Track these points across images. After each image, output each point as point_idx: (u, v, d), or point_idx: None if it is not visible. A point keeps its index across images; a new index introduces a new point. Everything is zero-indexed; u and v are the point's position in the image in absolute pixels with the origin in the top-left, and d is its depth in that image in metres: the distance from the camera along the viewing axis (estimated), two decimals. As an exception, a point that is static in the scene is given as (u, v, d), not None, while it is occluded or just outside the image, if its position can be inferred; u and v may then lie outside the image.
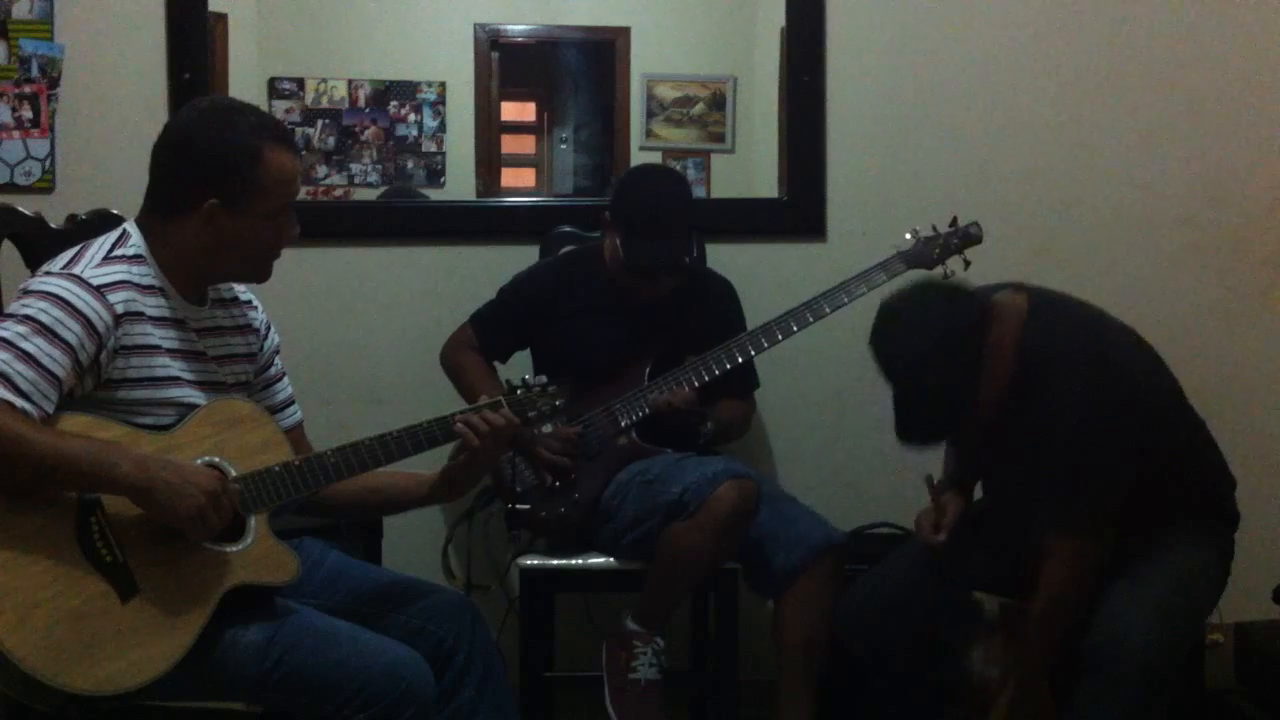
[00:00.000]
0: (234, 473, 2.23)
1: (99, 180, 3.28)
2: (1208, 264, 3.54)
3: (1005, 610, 2.73)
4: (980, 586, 2.77)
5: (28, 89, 3.37)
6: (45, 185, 3.38)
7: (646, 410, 3.03)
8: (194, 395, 2.26)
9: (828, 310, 3.06)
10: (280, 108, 3.89)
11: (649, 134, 4.05)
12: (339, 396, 3.43)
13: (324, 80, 3.97)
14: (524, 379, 2.45)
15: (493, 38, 4.08)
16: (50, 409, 2.09)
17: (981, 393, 2.51)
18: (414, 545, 3.32)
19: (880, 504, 3.40)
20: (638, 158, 4.02)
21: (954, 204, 3.29)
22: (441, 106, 4.04)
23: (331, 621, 2.28)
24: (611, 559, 3.01)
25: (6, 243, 2.55)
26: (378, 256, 3.53)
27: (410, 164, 4.02)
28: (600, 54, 4.22)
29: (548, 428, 2.90)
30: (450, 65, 4.05)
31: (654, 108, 4.05)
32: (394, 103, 4.01)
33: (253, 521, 2.25)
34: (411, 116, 4.01)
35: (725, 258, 3.38)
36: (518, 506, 2.92)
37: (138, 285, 2.21)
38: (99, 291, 2.15)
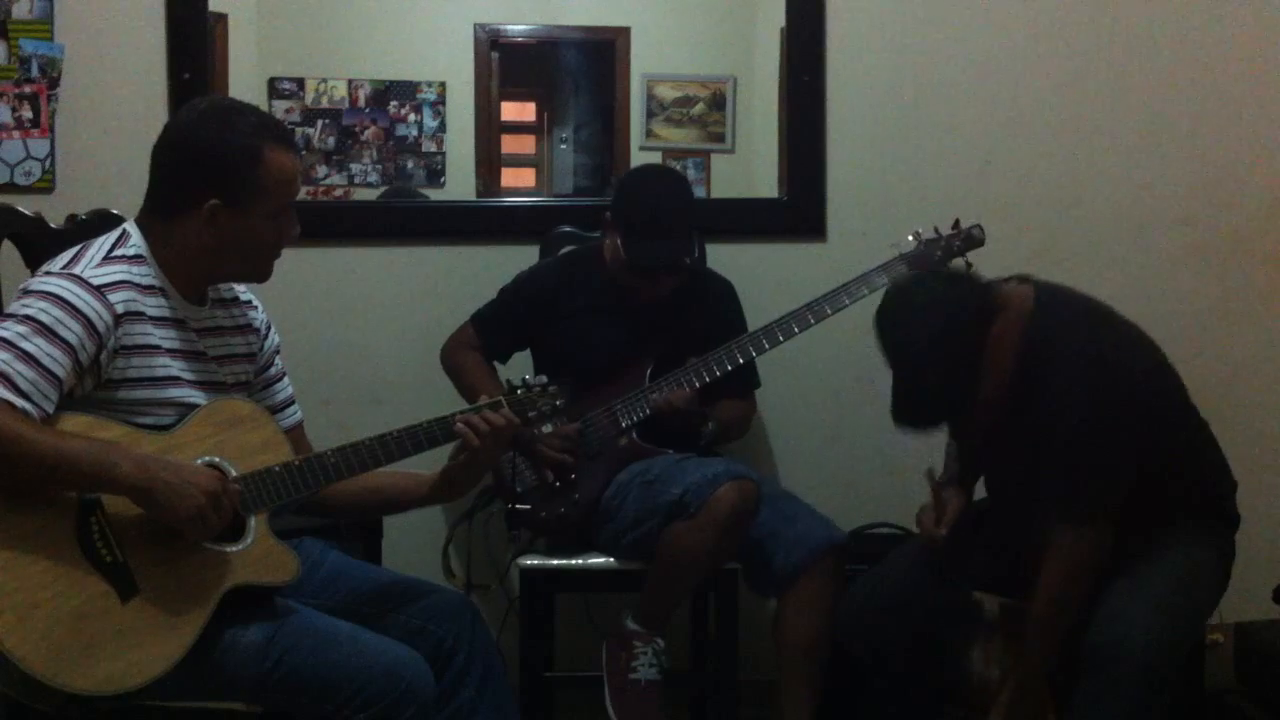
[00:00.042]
0: (234, 473, 2.23)
1: (99, 180, 3.28)
2: (1208, 264, 3.54)
3: (1005, 610, 2.73)
4: (980, 586, 2.77)
5: (28, 89, 3.37)
6: (45, 185, 3.38)
7: (648, 410, 3.03)
8: (194, 395, 2.26)
9: (829, 311, 3.06)
10: (280, 108, 3.89)
11: (649, 134, 4.05)
12: (339, 396, 3.43)
13: (324, 80, 3.97)
14: (524, 379, 2.45)
15: (493, 38, 4.08)
16: (50, 409, 2.09)
17: (982, 383, 2.51)
18: (414, 545, 3.32)
19: (880, 504, 3.40)
20: (638, 158, 4.02)
21: (953, 204, 3.29)
22: (441, 106, 4.04)
23: (331, 621, 2.28)
24: (611, 559, 3.01)
25: (6, 243, 2.55)
26: (378, 256, 3.53)
27: (410, 164, 4.03)
28: (600, 54, 4.22)
29: (548, 428, 2.90)
30: (450, 65, 4.05)
31: (654, 108, 4.05)
32: (394, 103, 4.01)
33: (253, 521, 2.25)
34: (411, 116, 4.02)
35: (725, 258, 3.38)
36: (518, 506, 2.92)
37: (138, 285, 2.21)
38: (99, 291, 2.15)
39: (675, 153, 4.04)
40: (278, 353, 2.50)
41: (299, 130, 3.89)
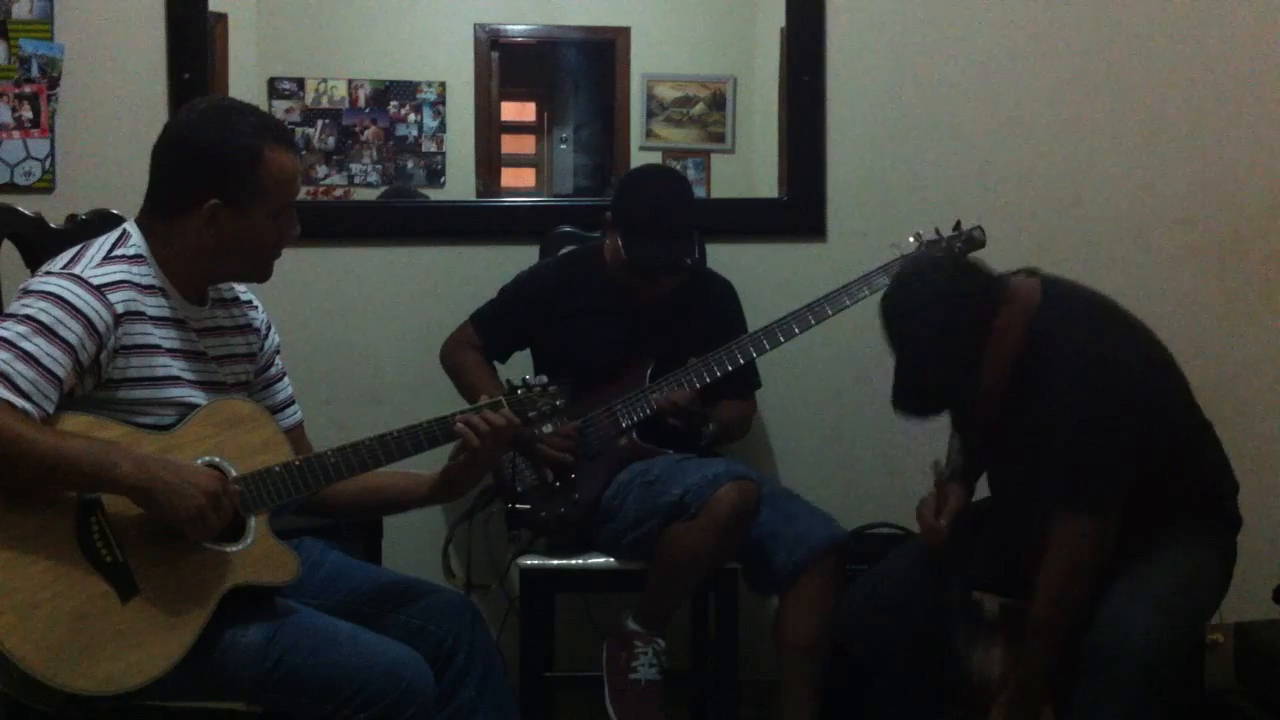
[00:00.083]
0: (234, 473, 2.23)
1: (99, 180, 3.28)
2: (1208, 264, 3.54)
3: (1005, 610, 2.73)
4: (980, 586, 2.76)
5: (28, 89, 3.37)
6: (45, 185, 3.38)
7: (648, 411, 3.03)
8: (194, 395, 2.26)
9: (829, 312, 3.06)
10: (280, 108, 3.89)
11: (649, 134, 4.05)
12: (339, 396, 3.43)
13: (324, 80, 3.97)
14: (524, 379, 2.45)
15: (493, 38, 4.08)
16: (50, 409, 2.09)
17: (983, 373, 2.52)
18: (414, 545, 3.32)
19: (880, 504, 3.40)
20: (638, 158, 4.02)
21: (953, 203, 3.29)
22: (441, 106, 4.04)
23: (331, 621, 2.28)
24: (611, 559, 3.01)
25: (6, 243, 2.55)
26: (378, 256, 3.53)
27: (410, 164, 4.03)
28: (600, 54, 4.22)
29: (548, 428, 2.90)
30: (450, 65, 4.05)
31: (654, 108, 4.05)
32: (394, 103, 4.01)
33: (253, 521, 2.25)
34: (411, 116, 4.02)
35: (725, 258, 3.37)
36: (518, 506, 2.92)
37: (138, 285, 2.21)
38: (99, 291, 2.15)
39: (675, 153, 4.04)
40: (278, 353, 2.50)
41: (299, 130, 3.89)
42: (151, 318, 2.22)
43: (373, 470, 2.33)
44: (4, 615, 2.00)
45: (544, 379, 2.44)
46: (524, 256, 3.38)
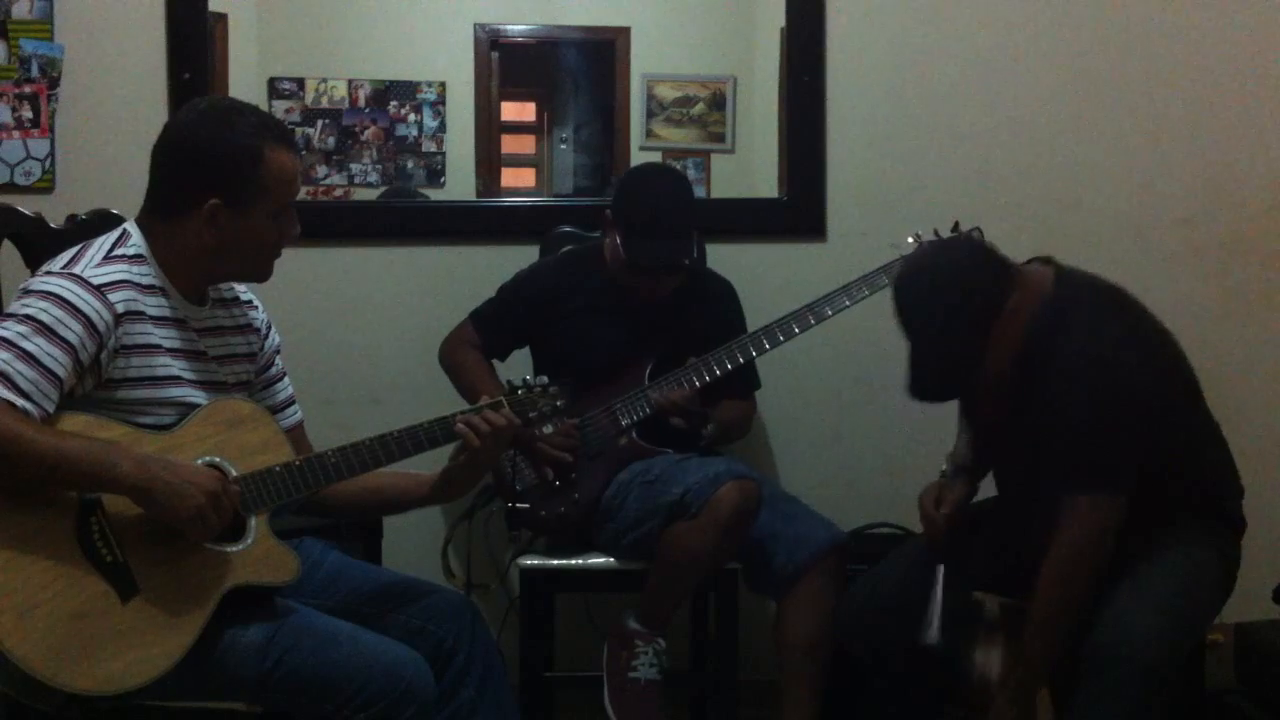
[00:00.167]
0: (234, 473, 2.23)
1: (99, 180, 3.28)
2: (1208, 264, 3.54)
3: (1005, 610, 2.73)
4: (980, 586, 2.76)
5: (28, 89, 3.37)
6: (45, 185, 3.38)
7: (648, 410, 3.03)
8: (195, 395, 2.26)
9: (829, 312, 3.07)
10: (280, 108, 3.89)
11: (649, 134, 4.05)
12: (339, 396, 3.43)
13: (324, 80, 3.97)
14: (525, 379, 2.45)
15: (493, 38, 4.08)
16: (51, 408, 2.09)
17: (990, 356, 2.52)
18: (414, 545, 3.32)
19: (880, 504, 3.40)
20: (638, 158, 4.02)
21: (954, 204, 3.29)
22: (441, 106, 4.04)
23: (332, 621, 2.28)
24: (611, 559, 3.01)
25: (6, 243, 2.55)
26: (378, 256, 3.53)
27: (410, 164, 4.03)
28: (600, 54, 4.22)
29: (548, 428, 2.90)
30: (450, 65, 4.05)
31: (654, 108, 4.05)
32: (394, 103, 4.01)
33: (253, 522, 2.25)
34: (411, 116, 4.02)
35: (725, 258, 3.37)
36: (518, 506, 2.92)
37: (138, 285, 2.21)
38: (99, 291, 2.15)
39: (675, 153, 4.04)
40: (278, 353, 2.50)
41: (299, 130, 3.89)
42: (152, 317, 2.22)
43: (373, 470, 2.33)
44: (4, 615, 2.00)
45: (544, 379, 2.44)
46: (524, 256, 3.38)
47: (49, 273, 2.19)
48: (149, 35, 3.40)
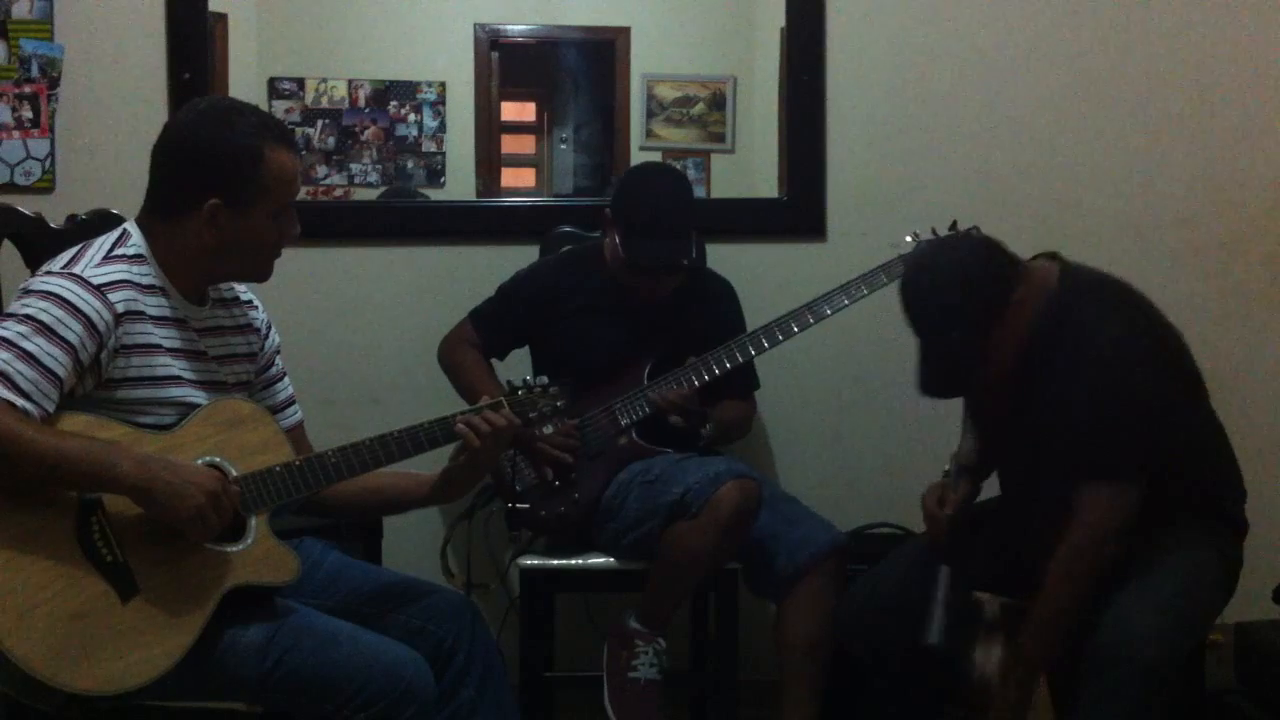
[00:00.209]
0: (234, 473, 2.23)
1: (99, 180, 3.28)
2: (1208, 264, 3.54)
3: (1005, 610, 2.73)
4: (980, 586, 2.76)
5: (28, 89, 3.37)
6: (45, 185, 3.38)
7: (647, 410, 3.03)
8: (195, 395, 2.26)
9: (828, 311, 3.07)
10: (280, 108, 3.89)
11: (649, 134, 4.05)
12: (339, 396, 3.43)
13: (324, 80, 3.97)
14: (525, 380, 2.45)
15: (493, 38, 4.08)
16: (51, 408, 2.09)
17: (996, 351, 2.52)
18: (414, 545, 3.32)
19: (880, 504, 3.40)
20: (638, 158, 4.03)
21: (954, 204, 3.29)
22: (441, 106, 4.04)
23: (332, 621, 2.28)
24: (611, 559, 3.01)
25: (6, 243, 2.55)
26: (378, 256, 3.53)
27: (410, 164, 4.03)
28: (600, 54, 4.22)
29: (548, 429, 2.90)
30: (450, 65, 4.05)
31: (654, 108, 4.05)
32: (394, 103, 4.01)
33: (253, 522, 2.25)
34: (411, 116, 4.02)
35: (725, 258, 3.37)
36: (518, 506, 2.92)
37: (138, 284, 2.21)
38: (99, 291, 2.15)
39: (675, 153, 4.04)
40: (278, 353, 2.50)
41: (299, 130, 3.89)
42: (152, 317, 2.22)
43: (373, 470, 2.33)
44: (4, 615, 2.00)
45: (545, 379, 2.44)
46: (524, 256, 3.37)
47: (49, 273, 2.19)
48: (149, 35, 3.40)
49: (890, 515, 3.33)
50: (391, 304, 3.52)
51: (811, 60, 3.50)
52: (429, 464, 2.42)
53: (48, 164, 3.39)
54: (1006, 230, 3.26)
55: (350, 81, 3.98)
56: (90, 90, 3.40)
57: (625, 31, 4.08)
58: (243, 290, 2.44)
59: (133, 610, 2.10)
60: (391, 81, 4.01)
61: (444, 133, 4.04)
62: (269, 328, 2.48)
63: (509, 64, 4.15)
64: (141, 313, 2.20)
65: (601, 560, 3.02)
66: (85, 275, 2.16)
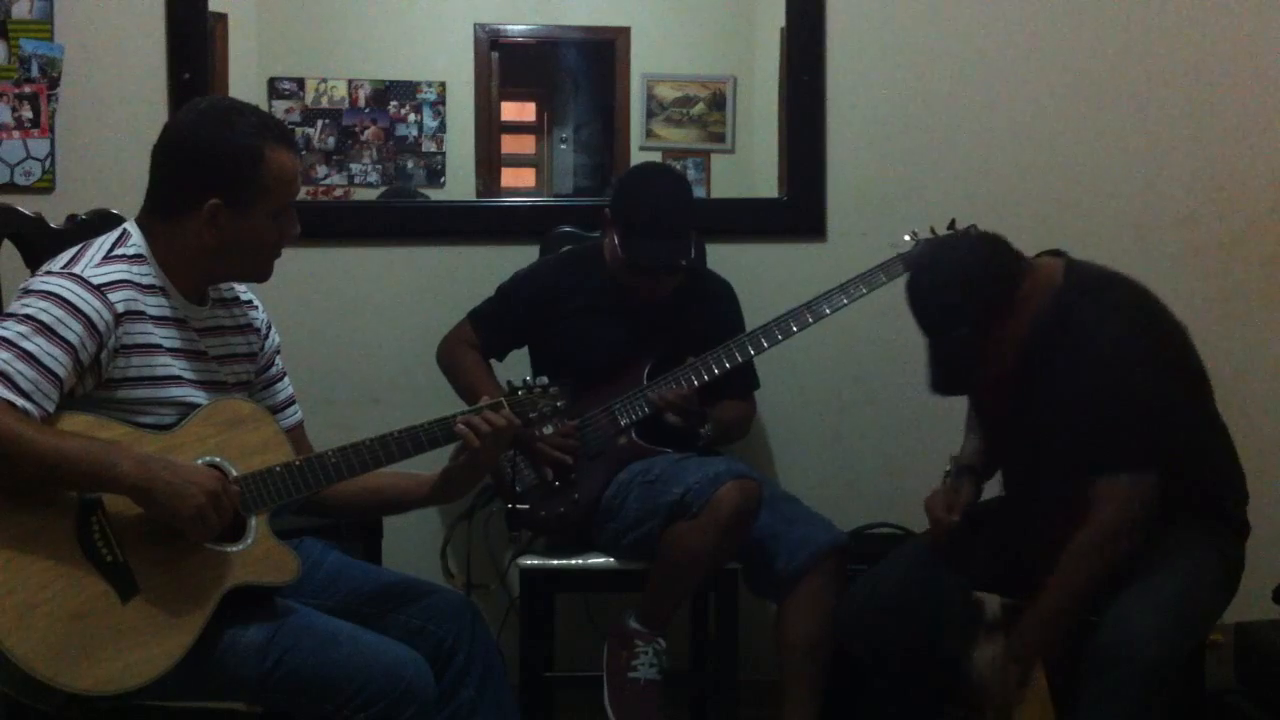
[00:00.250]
0: (235, 473, 2.23)
1: (99, 180, 3.28)
2: (1208, 264, 3.54)
3: (1006, 610, 2.73)
4: (980, 586, 2.76)
5: (28, 89, 3.37)
6: (45, 185, 3.38)
7: (646, 410, 3.03)
8: (195, 395, 2.26)
9: (827, 311, 3.07)
10: (280, 108, 3.89)
11: (649, 134, 4.05)
12: (339, 396, 3.43)
13: (324, 80, 3.97)
14: (525, 380, 2.45)
15: (493, 38, 4.08)
16: (51, 408, 2.09)
17: (1001, 346, 2.52)
18: (414, 545, 3.32)
19: (880, 504, 3.40)
20: (638, 158, 4.02)
21: (953, 204, 3.29)
22: (441, 106, 4.04)
23: (332, 621, 2.28)
24: (611, 559, 3.01)
25: (6, 243, 2.55)
26: (378, 256, 3.53)
27: (410, 164, 4.02)
28: (600, 54, 4.22)
29: (548, 429, 2.90)
30: (450, 65, 4.05)
31: (654, 108, 4.05)
32: (394, 103, 4.01)
33: (253, 522, 2.25)
34: (411, 116, 4.01)
35: (725, 258, 3.38)
36: (518, 506, 2.92)
37: (138, 284, 2.21)
38: (99, 290, 2.15)
39: (675, 153, 4.04)
40: (278, 352, 2.50)
41: (299, 130, 3.89)
42: (152, 317, 2.22)
43: (373, 471, 2.33)
44: (4, 615, 2.00)
45: (545, 380, 2.44)
46: (524, 256, 3.37)
47: (49, 273, 2.19)
48: (149, 35, 3.40)
49: (890, 515, 3.33)
50: (391, 304, 3.52)
51: (811, 60, 3.50)
52: (429, 464, 2.42)
53: (48, 164, 3.39)
54: (1006, 230, 3.25)
55: (350, 81, 3.98)
56: (90, 90, 3.40)
57: (625, 31, 4.08)
58: (243, 290, 2.44)
59: (133, 610, 2.10)
60: (391, 81, 4.01)
61: (444, 133, 4.03)
62: (269, 328, 2.48)
63: (509, 64, 4.14)
64: (142, 313, 2.20)
65: (601, 560, 3.02)
66: (85, 275, 2.16)
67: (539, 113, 4.38)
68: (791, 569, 2.94)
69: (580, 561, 3.03)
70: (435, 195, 4.01)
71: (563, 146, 4.33)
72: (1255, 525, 2.73)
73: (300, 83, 3.95)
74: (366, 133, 3.99)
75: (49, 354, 2.08)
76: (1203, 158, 3.53)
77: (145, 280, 2.22)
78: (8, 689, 2.09)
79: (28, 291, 2.16)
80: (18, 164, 3.38)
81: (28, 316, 2.10)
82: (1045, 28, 3.52)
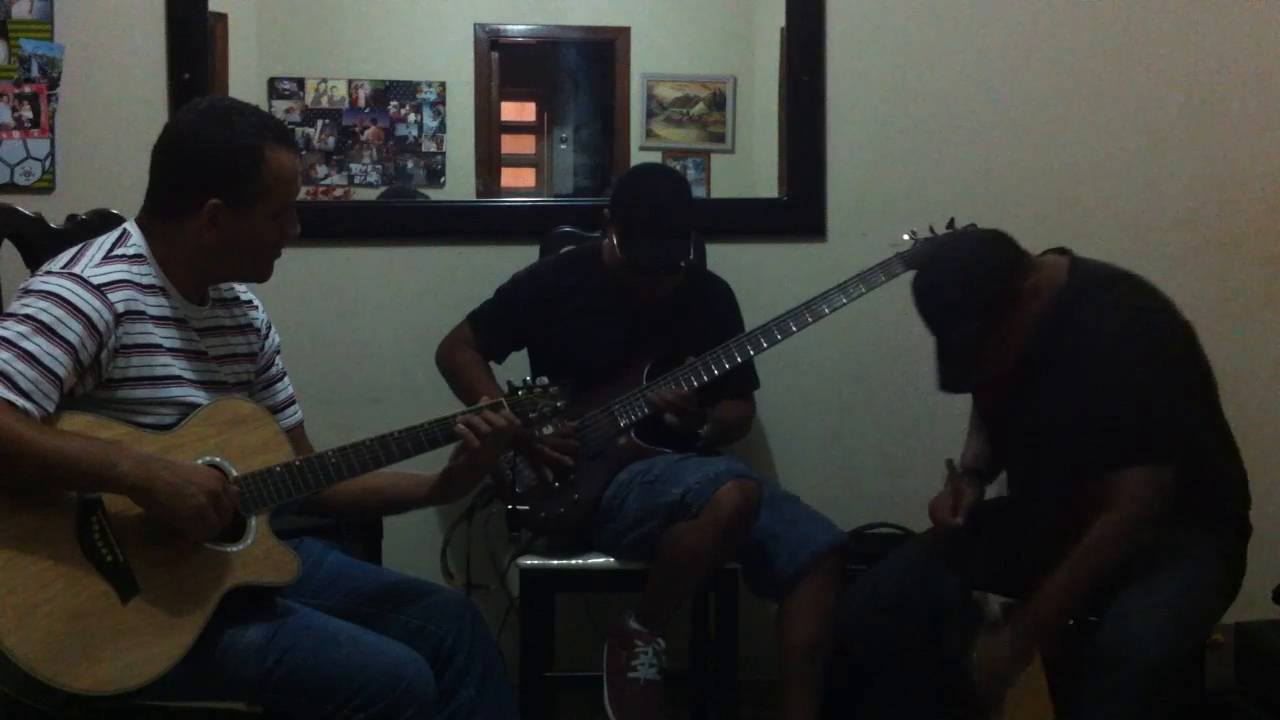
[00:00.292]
0: (235, 473, 2.23)
1: (99, 180, 3.28)
2: (1208, 264, 3.54)
3: (1006, 610, 2.73)
4: (980, 586, 2.76)
5: (28, 89, 3.37)
6: (45, 185, 3.38)
7: (646, 410, 3.03)
8: (195, 395, 2.26)
9: (827, 311, 3.07)
10: (280, 108, 3.89)
11: (649, 134, 4.05)
12: (339, 396, 3.43)
13: (324, 80, 3.97)
14: (525, 380, 2.45)
15: (493, 38, 4.08)
16: (51, 408, 2.09)
17: (999, 344, 2.52)
18: (414, 545, 3.32)
19: (880, 504, 3.40)
20: (638, 158, 4.03)
21: (953, 204, 3.29)
22: (441, 106, 4.04)
23: (332, 621, 2.28)
24: (611, 559, 3.01)
25: (6, 243, 2.55)
26: (378, 256, 3.53)
27: (410, 164, 4.03)
28: (600, 54, 4.22)
29: (548, 429, 2.90)
30: (450, 65, 4.05)
31: (654, 108, 4.05)
32: (394, 103, 4.01)
33: (253, 522, 2.25)
34: (411, 116, 4.02)
35: (725, 258, 3.38)
36: (518, 506, 2.92)
37: (138, 284, 2.21)
38: (99, 290, 2.15)
39: (675, 153, 4.04)
40: (278, 352, 2.50)
41: (299, 130, 3.89)
42: (152, 317, 2.22)
43: (373, 471, 2.33)
44: (4, 615, 2.00)
45: (545, 380, 2.44)
46: (524, 256, 3.37)
47: (49, 272, 2.19)
48: (149, 35, 3.40)
49: (890, 515, 3.33)
50: (391, 304, 3.52)
51: (811, 60, 3.50)
52: (429, 464, 2.42)
53: (48, 164, 3.39)
54: (1006, 229, 3.27)
55: (350, 81, 3.98)
56: (90, 90, 3.40)
57: (625, 31, 4.08)
58: (243, 290, 2.44)
59: (133, 610, 2.10)
60: (391, 81, 4.01)
61: (444, 133, 4.03)
62: (269, 328, 2.48)
63: (509, 64, 4.15)
64: (142, 312, 2.20)
65: (601, 560, 3.02)
66: (85, 275, 2.16)
67: (539, 113, 4.38)
68: (792, 569, 2.94)
69: (580, 561, 3.02)
70: (435, 195, 4.01)
71: (563, 146, 4.33)
72: (1255, 525, 2.73)
73: (300, 83, 3.95)
74: (366, 133, 3.99)
75: (49, 354, 2.08)
76: (1203, 158, 3.53)
77: (145, 280, 2.22)
78: (8, 689, 2.09)
79: (28, 291, 2.16)
80: (18, 164, 3.38)
81: (28, 316, 2.10)
82: (1045, 28, 3.52)
